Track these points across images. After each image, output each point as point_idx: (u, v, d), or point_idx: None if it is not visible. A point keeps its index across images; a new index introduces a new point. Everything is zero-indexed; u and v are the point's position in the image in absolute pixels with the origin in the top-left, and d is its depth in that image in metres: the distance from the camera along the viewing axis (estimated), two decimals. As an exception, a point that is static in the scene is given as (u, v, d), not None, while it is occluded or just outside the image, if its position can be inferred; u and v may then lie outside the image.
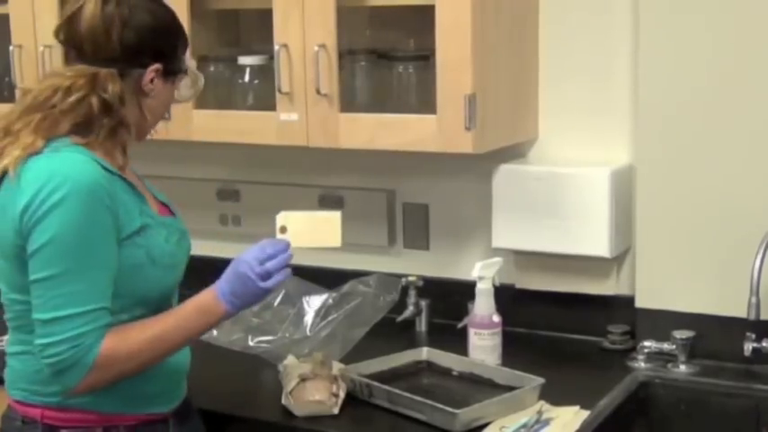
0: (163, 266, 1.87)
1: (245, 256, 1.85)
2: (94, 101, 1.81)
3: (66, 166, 1.77)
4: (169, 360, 1.91)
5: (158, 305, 1.88)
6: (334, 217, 1.91)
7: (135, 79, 1.87)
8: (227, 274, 1.86)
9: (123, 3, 1.84)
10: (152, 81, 1.88)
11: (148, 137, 1.98)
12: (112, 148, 1.85)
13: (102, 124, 1.82)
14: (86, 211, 1.75)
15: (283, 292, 2.48)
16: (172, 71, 1.92)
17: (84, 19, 1.84)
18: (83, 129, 1.82)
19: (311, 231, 1.90)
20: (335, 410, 2.13)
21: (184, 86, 2.02)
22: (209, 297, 1.86)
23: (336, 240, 1.91)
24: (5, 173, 1.80)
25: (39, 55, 2.71)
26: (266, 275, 1.84)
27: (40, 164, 1.78)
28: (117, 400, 1.87)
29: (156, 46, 1.88)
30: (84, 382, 1.78)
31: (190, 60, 2.00)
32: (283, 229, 1.88)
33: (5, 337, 2.64)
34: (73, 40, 1.86)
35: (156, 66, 1.88)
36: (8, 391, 1.95)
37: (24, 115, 1.83)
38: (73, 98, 1.81)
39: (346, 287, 2.46)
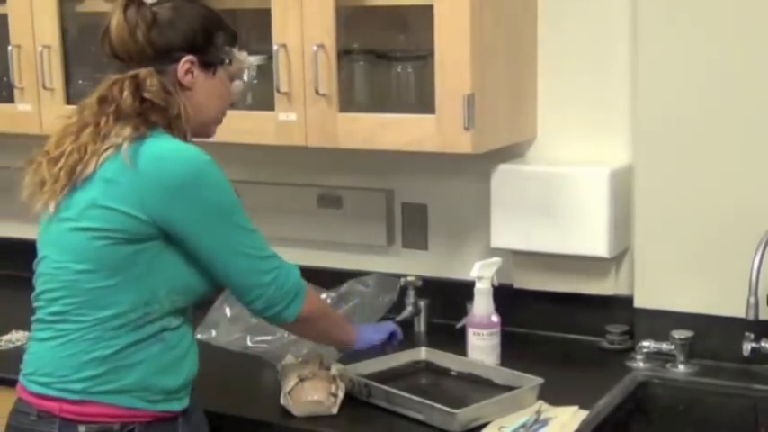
0: None
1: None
2: (148, 96, 1.89)
3: (187, 146, 1.89)
4: (187, 357, 1.96)
5: (195, 300, 1.97)
6: None
7: (172, 74, 1.93)
8: (374, 333, 2.28)
9: (144, 6, 1.93)
10: (190, 74, 1.94)
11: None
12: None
13: (170, 119, 1.90)
14: (224, 178, 1.90)
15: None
16: (210, 62, 1.97)
17: (112, 29, 1.93)
18: (166, 126, 1.91)
19: None
20: (334, 410, 2.13)
21: (236, 78, 2.07)
22: (355, 331, 2.21)
23: None
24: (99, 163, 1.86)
25: (37, 55, 2.71)
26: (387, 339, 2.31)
27: (157, 144, 1.86)
28: (137, 395, 1.90)
29: (186, 39, 1.94)
30: (307, 305, 2.00)
31: (240, 52, 2.04)
32: None
33: (4, 337, 2.65)
34: (111, 50, 1.94)
35: (189, 57, 1.94)
36: (24, 381, 1.94)
37: (93, 117, 1.90)
38: (129, 98, 1.88)
39: (345, 287, 2.46)
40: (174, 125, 1.91)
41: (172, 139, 1.89)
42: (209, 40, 1.98)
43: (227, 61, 2.01)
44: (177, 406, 1.96)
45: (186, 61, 1.93)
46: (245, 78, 2.13)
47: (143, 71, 1.91)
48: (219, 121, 2.07)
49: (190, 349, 1.98)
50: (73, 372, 1.88)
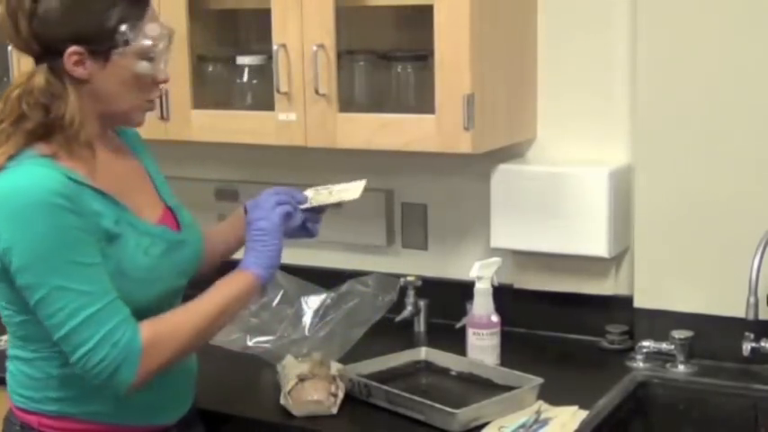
0: (134, 280, 1.79)
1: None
2: (24, 107, 1.74)
3: (20, 182, 1.71)
4: (175, 370, 1.86)
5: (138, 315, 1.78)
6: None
7: (62, 68, 1.75)
8: (270, 259, 1.92)
9: None
10: (79, 65, 1.74)
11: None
12: (78, 151, 1.76)
13: (53, 126, 1.75)
14: (48, 221, 1.68)
15: (282, 291, 2.48)
16: (101, 50, 1.75)
17: None
18: (42, 136, 1.75)
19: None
20: (334, 410, 2.13)
21: (148, 55, 1.81)
22: (239, 272, 1.90)
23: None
24: None
25: (37, 55, 2.70)
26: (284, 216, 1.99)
27: (3, 181, 1.72)
28: (117, 410, 1.84)
29: (71, 27, 1.73)
30: (140, 373, 1.73)
31: (148, 24, 1.78)
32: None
33: (4, 337, 2.65)
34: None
35: (75, 48, 1.73)
36: (10, 395, 1.93)
37: None
38: (8, 106, 1.75)
39: (345, 287, 2.46)
40: (58, 131, 1.74)
41: (26, 169, 1.71)
42: (100, 25, 1.74)
43: (121, 44, 1.75)
44: (167, 420, 1.93)
45: (71, 53, 1.72)
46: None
47: (33, 70, 1.76)
48: (146, 108, 1.86)
49: None
50: (36, 392, 1.85)
